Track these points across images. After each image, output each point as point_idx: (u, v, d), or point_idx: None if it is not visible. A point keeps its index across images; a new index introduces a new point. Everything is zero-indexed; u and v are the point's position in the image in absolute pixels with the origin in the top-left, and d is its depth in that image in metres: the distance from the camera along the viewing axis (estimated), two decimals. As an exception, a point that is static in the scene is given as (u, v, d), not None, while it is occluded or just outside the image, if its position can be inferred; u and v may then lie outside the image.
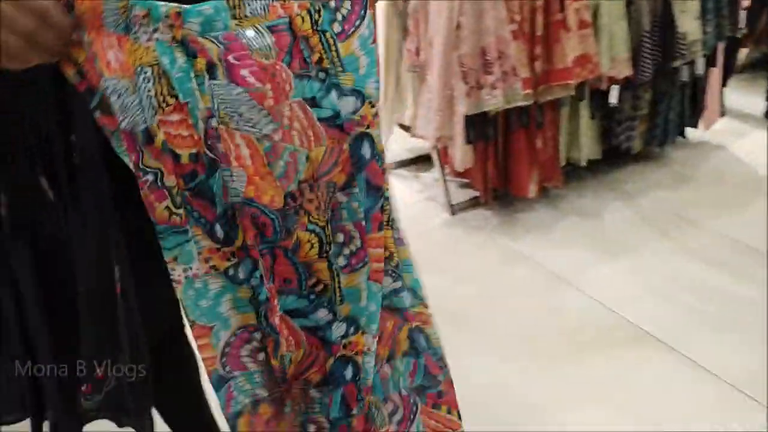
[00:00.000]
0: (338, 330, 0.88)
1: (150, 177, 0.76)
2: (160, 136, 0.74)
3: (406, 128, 2.88)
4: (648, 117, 2.85)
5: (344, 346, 0.88)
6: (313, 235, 0.83)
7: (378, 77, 0.83)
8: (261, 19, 0.75)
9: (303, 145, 0.79)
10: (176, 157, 0.75)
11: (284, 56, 0.76)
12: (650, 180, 2.87)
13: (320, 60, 0.78)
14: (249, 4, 0.74)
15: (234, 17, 0.74)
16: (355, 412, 0.89)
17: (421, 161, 3.09)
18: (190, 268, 0.81)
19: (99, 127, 0.77)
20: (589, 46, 2.43)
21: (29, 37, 0.66)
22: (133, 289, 0.91)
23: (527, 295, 2.18)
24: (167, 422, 1.24)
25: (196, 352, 0.87)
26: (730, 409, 1.68)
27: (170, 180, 0.76)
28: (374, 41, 0.82)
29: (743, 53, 3.64)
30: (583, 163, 2.74)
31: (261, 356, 0.87)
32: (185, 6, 0.72)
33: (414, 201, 2.80)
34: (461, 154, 2.45)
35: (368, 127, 0.83)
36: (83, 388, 0.95)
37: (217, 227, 0.80)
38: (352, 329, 0.88)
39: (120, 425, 1.02)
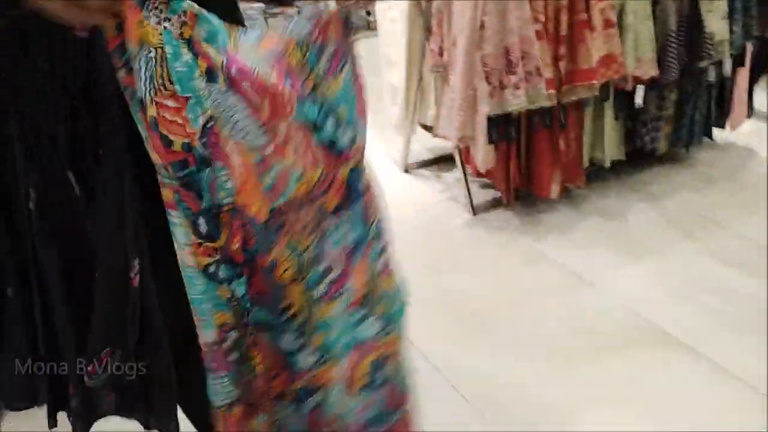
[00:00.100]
0: (308, 360, 0.86)
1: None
2: (151, 112, 0.73)
3: (428, 128, 2.88)
4: (673, 118, 2.82)
5: (312, 377, 0.87)
6: (291, 257, 0.83)
7: (365, 119, 0.85)
8: (254, 49, 0.77)
9: (297, 164, 0.80)
10: (169, 143, 0.75)
11: (284, 81, 0.78)
12: (675, 181, 2.84)
13: (315, 87, 0.80)
14: (243, 35, 0.76)
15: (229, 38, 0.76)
16: None
17: (442, 161, 3.09)
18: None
19: (124, 122, 0.79)
20: (614, 45, 2.41)
21: None
22: (153, 282, 0.92)
23: (548, 296, 2.17)
24: (190, 418, 1.26)
25: None
26: (749, 410, 1.66)
27: (154, 156, 0.76)
28: (357, 83, 0.84)
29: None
30: (607, 164, 2.72)
31: (234, 356, 0.86)
32: (203, 10, 0.74)
33: (435, 201, 2.80)
34: (483, 155, 2.45)
35: (359, 162, 0.85)
36: (89, 368, 0.96)
37: (201, 221, 0.79)
38: (321, 360, 0.87)
39: (147, 427, 1.03)
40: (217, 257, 0.81)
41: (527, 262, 2.37)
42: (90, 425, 1.05)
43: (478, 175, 2.75)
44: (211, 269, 0.81)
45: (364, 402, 0.94)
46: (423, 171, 3.08)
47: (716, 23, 2.62)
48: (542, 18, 2.27)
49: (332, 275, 0.85)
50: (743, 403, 1.69)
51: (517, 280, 2.26)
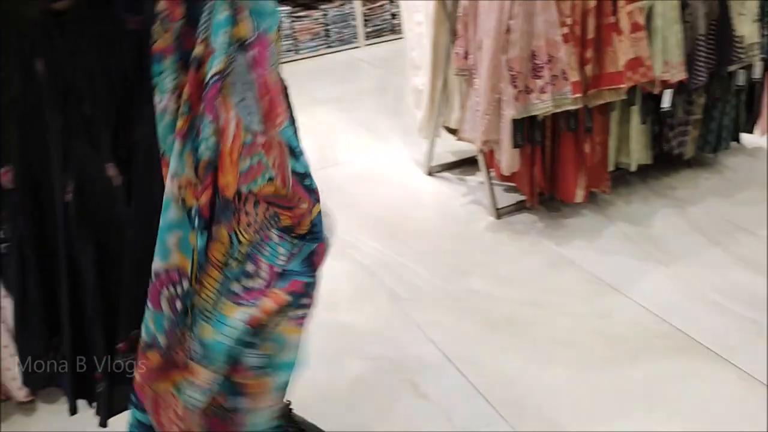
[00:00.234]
0: (195, 349, 0.87)
1: None
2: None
3: (452, 131, 2.88)
4: (701, 122, 2.78)
5: (188, 371, 0.88)
6: (227, 242, 0.84)
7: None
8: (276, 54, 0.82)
9: (274, 169, 0.83)
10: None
11: (281, 98, 0.87)
12: (702, 187, 2.80)
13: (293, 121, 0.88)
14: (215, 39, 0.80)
15: None
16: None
17: (466, 164, 3.09)
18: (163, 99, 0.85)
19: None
20: (642, 49, 2.39)
21: None
22: None
23: (572, 300, 2.16)
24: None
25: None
26: (781, 422, 1.64)
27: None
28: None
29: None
30: (633, 169, 2.70)
31: (178, 305, 0.86)
32: None
33: (459, 204, 2.80)
34: (508, 158, 2.44)
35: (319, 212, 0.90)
36: (119, 346, 0.98)
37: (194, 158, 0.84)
38: (198, 355, 0.87)
39: None
40: (197, 204, 0.84)
41: (551, 266, 2.35)
42: (112, 413, 1.08)
43: (502, 178, 2.74)
44: (193, 213, 0.84)
45: (209, 413, 0.93)
46: (447, 174, 3.08)
47: (747, 26, 2.58)
48: (569, 21, 2.26)
49: (252, 283, 0.86)
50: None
51: (540, 284, 2.25)
